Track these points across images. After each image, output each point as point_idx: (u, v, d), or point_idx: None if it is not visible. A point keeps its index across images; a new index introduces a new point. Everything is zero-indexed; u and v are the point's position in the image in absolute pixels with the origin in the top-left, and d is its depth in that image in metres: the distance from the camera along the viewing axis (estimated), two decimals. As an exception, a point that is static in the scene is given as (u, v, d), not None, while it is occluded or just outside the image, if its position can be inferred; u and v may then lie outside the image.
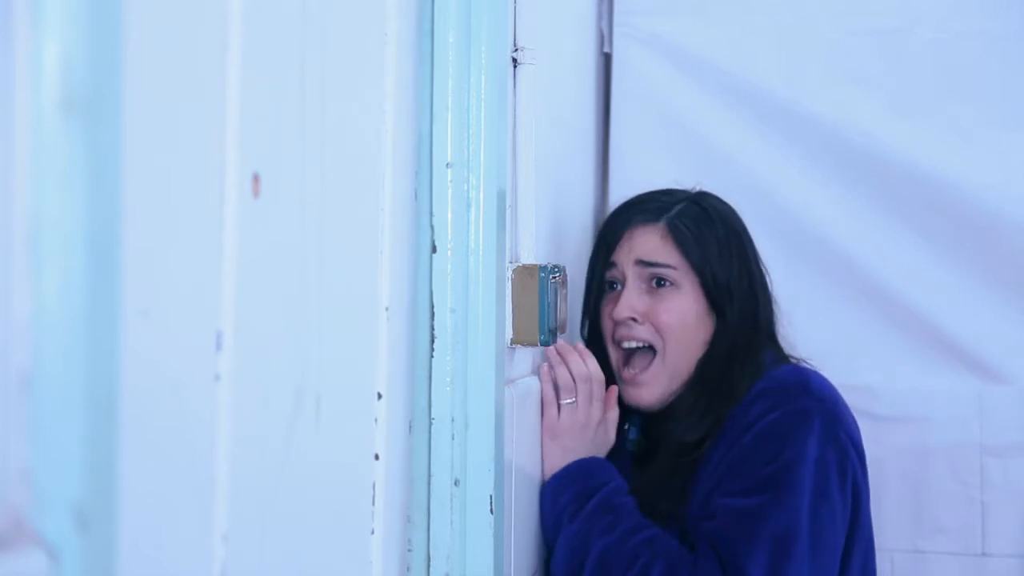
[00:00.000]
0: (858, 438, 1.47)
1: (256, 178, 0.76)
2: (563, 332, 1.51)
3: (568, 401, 1.49)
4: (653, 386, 1.53)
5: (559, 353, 1.49)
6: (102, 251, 0.56)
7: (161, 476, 0.65)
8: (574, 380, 1.49)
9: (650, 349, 1.54)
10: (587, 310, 1.63)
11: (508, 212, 1.32)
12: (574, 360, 1.50)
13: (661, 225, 1.54)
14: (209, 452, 0.71)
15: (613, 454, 1.55)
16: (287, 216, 0.83)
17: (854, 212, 1.98)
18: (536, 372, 1.52)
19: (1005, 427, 1.91)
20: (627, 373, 1.55)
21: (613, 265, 1.57)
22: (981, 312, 1.93)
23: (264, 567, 0.80)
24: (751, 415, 1.44)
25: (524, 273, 1.35)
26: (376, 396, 1.06)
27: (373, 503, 1.05)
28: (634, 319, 1.53)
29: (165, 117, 0.65)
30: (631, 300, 1.53)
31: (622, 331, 1.54)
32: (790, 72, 2.01)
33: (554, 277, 1.39)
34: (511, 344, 1.34)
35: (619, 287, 1.56)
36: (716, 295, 1.52)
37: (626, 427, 1.60)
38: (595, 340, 1.61)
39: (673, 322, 1.51)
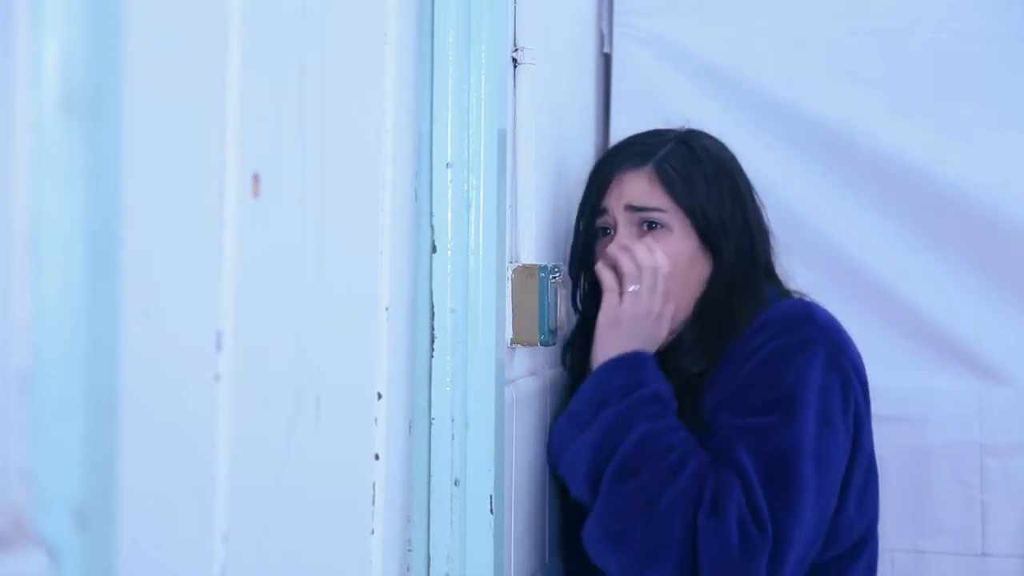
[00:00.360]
0: (861, 367, 1.48)
1: (256, 178, 0.76)
2: (563, 332, 1.51)
3: (632, 288, 1.48)
4: None
5: (623, 244, 1.49)
6: (102, 251, 0.56)
7: (161, 476, 0.65)
8: (639, 268, 1.48)
9: None
10: (575, 256, 1.61)
11: (508, 212, 1.32)
12: (640, 248, 1.49)
13: (648, 169, 1.54)
14: (209, 452, 0.71)
15: None
16: (287, 216, 0.83)
17: (854, 212, 1.98)
18: (536, 372, 1.52)
19: (1005, 427, 1.91)
20: None
21: (604, 211, 1.56)
22: (981, 312, 1.93)
23: (264, 567, 0.80)
24: (755, 343, 1.45)
25: (524, 273, 1.35)
26: (376, 396, 1.06)
27: (373, 503, 1.05)
28: None
29: (165, 117, 0.65)
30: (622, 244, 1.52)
31: None
32: (790, 72, 2.01)
33: (554, 277, 1.39)
34: (511, 344, 1.34)
35: (612, 232, 1.56)
36: (709, 234, 1.52)
37: None
38: (591, 287, 1.60)
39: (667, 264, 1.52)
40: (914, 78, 1.97)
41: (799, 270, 1.96)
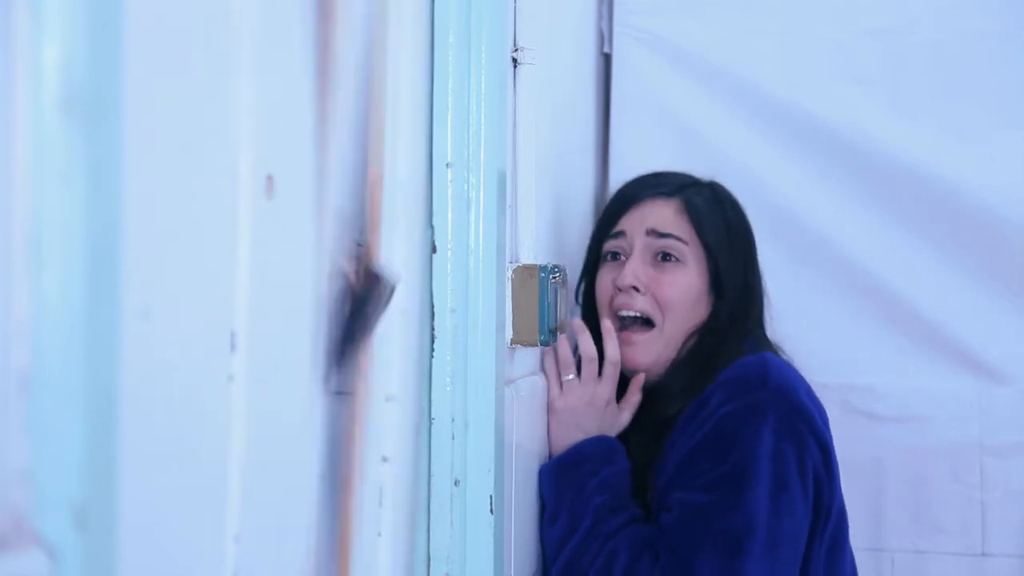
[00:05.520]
0: (821, 427, 1.43)
1: (270, 179, 0.76)
2: (563, 332, 1.51)
3: (567, 377, 1.50)
4: (648, 349, 1.53)
5: (572, 330, 1.51)
6: (102, 251, 0.56)
7: (165, 476, 0.65)
8: (584, 357, 1.50)
9: (646, 322, 1.53)
10: (584, 277, 1.63)
11: (508, 212, 1.32)
12: (584, 339, 1.51)
13: (676, 200, 1.55)
14: (221, 453, 0.71)
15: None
16: (301, 217, 0.83)
17: (854, 212, 1.98)
18: (536, 372, 1.52)
19: (1005, 427, 1.92)
20: (624, 334, 1.54)
21: (620, 235, 1.56)
22: (981, 312, 1.93)
23: (276, 569, 0.79)
24: (710, 405, 1.42)
25: (524, 273, 1.35)
26: (384, 399, 1.06)
27: (380, 505, 1.05)
28: (636, 288, 1.52)
29: (168, 118, 0.65)
30: (636, 268, 1.52)
31: (622, 299, 1.53)
32: (790, 72, 2.01)
33: (554, 277, 1.39)
34: (511, 344, 1.34)
35: (622, 257, 1.56)
36: (719, 277, 1.53)
37: None
38: (589, 310, 1.61)
39: (675, 297, 1.51)
40: (914, 78, 1.98)
41: (799, 270, 1.97)
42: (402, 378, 1.08)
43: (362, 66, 1.02)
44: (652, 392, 1.55)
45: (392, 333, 1.06)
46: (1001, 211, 1.92)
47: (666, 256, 1.52)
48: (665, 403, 1.51)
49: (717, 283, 1.53)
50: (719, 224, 1.54)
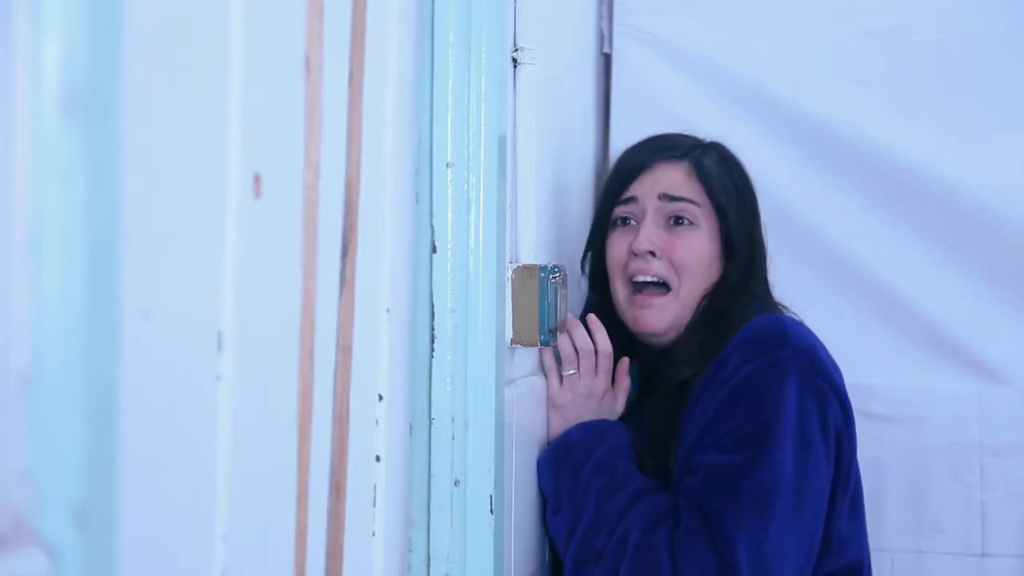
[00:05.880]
0: (839, 384, 1.45)
1: (257, 178, 0.76)
2: (563, 332, 1.51)
3: (569, 372, 1.51)
4: (664, 313, 1.53)
5: (566, 326, 1.51)
6: (102, 251, 0.56)
7: (161, 476, 0.65)
8: (576, 352, 1.51)
9: (662, 286, 1.53)
10: (591, 245, 1.63)
11: (508, 212, 1.32)
12: (579, 333, 1.51)
13: (686, 162, 1.55)
14: (210, 452, 0.71)
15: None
16: (288, 216, 0.83)
17: (854, 212, 1.98)
18: (536, 372, 1.52)
19: (1005, 427, 1.91)
20: (639, 298, 1.54)
21: (632, 200, 1.56)
22: (981, 312, 1.93)
23: (265, 569, 0.80)
24: (730, 366, 1.42)
25: (524, 273, 1.35)
26: (377, 398, 1.06)
27: (374, 504, 1.05)
28: (652, 253, 1.52)
29: (165, 117, 0.65)
30: (650, 233, 1.52)
31: (638, 264, 1.53)
32: (790, 72, 2.01)
33: (554, 277, 1.39)
34: (511, 344, 1.34)
35: (633, 223, 1.56)
36: (730, 238, 1.54)
37: None
38: (599, 277, 1.61)
39: (690, 259, 1.52)
40: (914, 78, 1.97)
41: (799, 269, 1.97)
42: (392, 377, 1.07)
43: (348, 63, 1.02)
44: (665, 355, 1.55)
45: (379, 332, 1.06)
46: (1001, 211, 1.92)
47: (679, 220, 1.53)
48: (678, 366, 1.51)
49: (728, 244, 1.54)
50: (729, 185, 1.56)
